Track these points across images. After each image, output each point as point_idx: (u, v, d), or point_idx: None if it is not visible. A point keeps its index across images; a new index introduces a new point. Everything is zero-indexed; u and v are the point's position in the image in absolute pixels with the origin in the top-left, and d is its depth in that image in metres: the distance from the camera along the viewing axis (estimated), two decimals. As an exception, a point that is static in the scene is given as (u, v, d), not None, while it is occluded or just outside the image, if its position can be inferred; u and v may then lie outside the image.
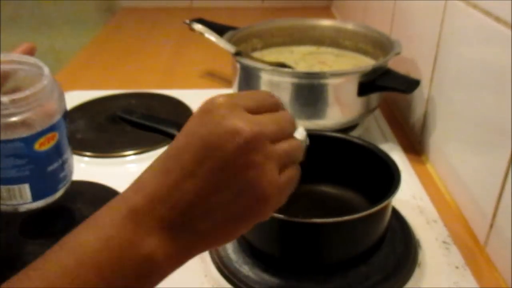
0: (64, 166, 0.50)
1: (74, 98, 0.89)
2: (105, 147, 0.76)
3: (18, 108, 0.44)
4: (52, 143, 0.47)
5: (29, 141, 0.45)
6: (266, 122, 0.35)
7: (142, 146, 0.75)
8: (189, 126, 0.35)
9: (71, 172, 0.52)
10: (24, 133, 0.45)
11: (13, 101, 0.43)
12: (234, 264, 0.51)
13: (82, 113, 0.86)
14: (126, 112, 0.56)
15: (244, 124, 0.33)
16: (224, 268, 0.51)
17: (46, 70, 0.46)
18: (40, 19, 1.53)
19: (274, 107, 0.37)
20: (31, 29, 1.52)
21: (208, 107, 0.34)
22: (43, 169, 0.48)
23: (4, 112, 0.43)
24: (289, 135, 0.37)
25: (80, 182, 0.65)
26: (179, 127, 0.54)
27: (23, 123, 0.45)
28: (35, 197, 0.48)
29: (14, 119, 0.44)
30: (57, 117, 0.48)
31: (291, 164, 0.37)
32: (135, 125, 0.55)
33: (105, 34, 1.35)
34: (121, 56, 1.18)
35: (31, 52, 0.49)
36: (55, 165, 0.49)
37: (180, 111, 0.87)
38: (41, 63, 0.47)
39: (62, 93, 0.49)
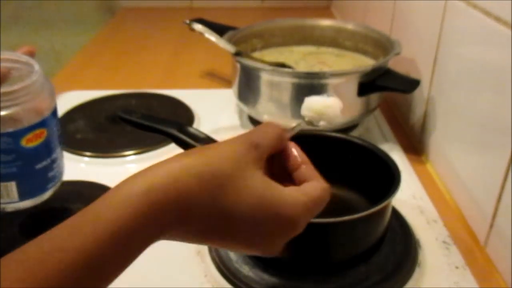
0: (53, 165, 0.49)
1: (74, 98, 0.89)
2: (105, 147, 0.76)
3: (5, 102, 0.43)
4: (40, 140, 0.47)
5: (16, 136, 0.45)
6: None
7: (142, 146, 0.75)
8: (259, 204, 0.35)
9: (60, 173, 0.52)
10: (11, 128, 0.44)
11: (0, 95, 0.43)
12: (234, 264, 0.51)
13: (82, 113, 0.86)
14: (126, 112, 0.56)
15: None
16: (224, 268, 0.51)
17: (36, 66, 0.46)
18: (40, 19, 1.53)
19: None
20: (31, 29, 1.52)
21: (286, 222, 0.36)
22: (31, 167, 0.47)
23: None
24: None
25: (80, 182, 0.65)
26: (179, 127, 0.54)
27: (10, 118, 0.44)
28: (23, 196, 0.48)
29: (1, 113, 0.43)
30: (46, 114, 0.47)
31: None
32: (135, 125, 0.55)
33: (105, 34, 1.35)
34: (121, 56, 1.18)
35: (30, 55, 0.49)
36: (44, 163, 0.48)
37: (180, 111, 0.87)
38: (32, 61, 0.47)
39: (53, 91, 0.48)
